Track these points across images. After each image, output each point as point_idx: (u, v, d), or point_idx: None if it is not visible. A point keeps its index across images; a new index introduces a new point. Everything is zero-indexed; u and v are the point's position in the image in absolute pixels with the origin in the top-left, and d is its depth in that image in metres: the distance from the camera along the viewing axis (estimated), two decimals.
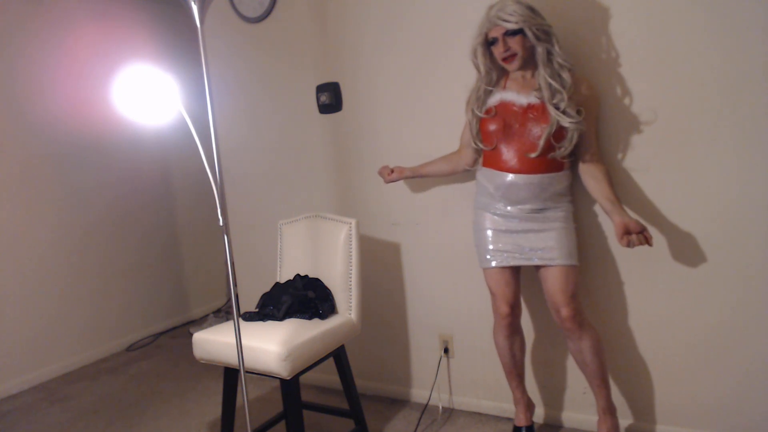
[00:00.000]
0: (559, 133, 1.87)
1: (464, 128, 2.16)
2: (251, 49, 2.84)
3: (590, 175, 1.97)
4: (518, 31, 1.83)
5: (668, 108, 1.96)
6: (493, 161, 2.00)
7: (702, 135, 1.92)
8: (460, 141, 2.21)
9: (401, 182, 2.52)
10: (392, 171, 2.38)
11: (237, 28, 2.84)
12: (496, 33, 1.87)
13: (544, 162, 1.91)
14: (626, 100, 2.01)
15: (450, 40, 2.29)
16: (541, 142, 1.86)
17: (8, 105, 3.21)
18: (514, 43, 1.85)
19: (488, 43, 1.93)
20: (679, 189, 1.98)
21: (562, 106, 1.84)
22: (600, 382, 2.00)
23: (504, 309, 2.06)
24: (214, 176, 1.63)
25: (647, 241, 1.82)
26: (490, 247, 2.03)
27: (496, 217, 2.01)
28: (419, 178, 2.41)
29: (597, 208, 2.11)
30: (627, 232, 1.81)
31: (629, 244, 1.80)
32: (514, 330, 2.11)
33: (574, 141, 1.87)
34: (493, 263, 2.03)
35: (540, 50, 1.85)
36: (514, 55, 1.87)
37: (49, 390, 3.20)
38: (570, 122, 1.83)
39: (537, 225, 1.96)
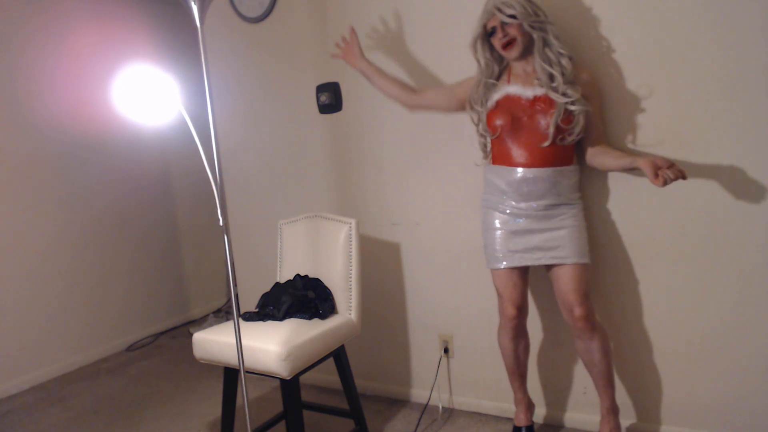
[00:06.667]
0: (567, 118, 1.86)
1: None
2: (251, 49, 2.83)
3: (601, 152, 1.96)
4: (515, 19, 1.83)
5: (668, 107, 1.96)
6: (502, 157, 1.99)
7: (703, 134, 1.92)
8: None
9: (401, 182, 2.52)
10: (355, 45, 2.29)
11: (237, 28, 2.84)
12: (494, 22, 1.87)
13: (554, 155, 1.90)
14: (625, 98, 2.01)
15: (450, 39, 2.29)
16: (551, 129, 1.86)
17: (8, 105, 3.20)
18: (512, 30, 1.85)
19: (488, 35, 1.93)
20: (679, 188, 1.97)
21: (561, 88, 1.84)
22: (606, 383, 1.99)
23: (511, 311, 2.04)
24: (214, 176, 1.63)
25: (681, 173, 1.70)
26: (500, 247, 2.01)
27: (506, 216, 1.99)
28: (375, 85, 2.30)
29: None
30: (657, 168, 1.72)
31: (665, 182, 1.69)
32: (519, 332, 2.09)
33: (582, 123, 1.87)
34: (503, 264, 2.00)
35: (536, 38, 1.86)
36: (513, 41, 1.87)
37: (49, 390, 3.20)
38: (569, 101, 1.83)
39: (548, 223, 1.94)
